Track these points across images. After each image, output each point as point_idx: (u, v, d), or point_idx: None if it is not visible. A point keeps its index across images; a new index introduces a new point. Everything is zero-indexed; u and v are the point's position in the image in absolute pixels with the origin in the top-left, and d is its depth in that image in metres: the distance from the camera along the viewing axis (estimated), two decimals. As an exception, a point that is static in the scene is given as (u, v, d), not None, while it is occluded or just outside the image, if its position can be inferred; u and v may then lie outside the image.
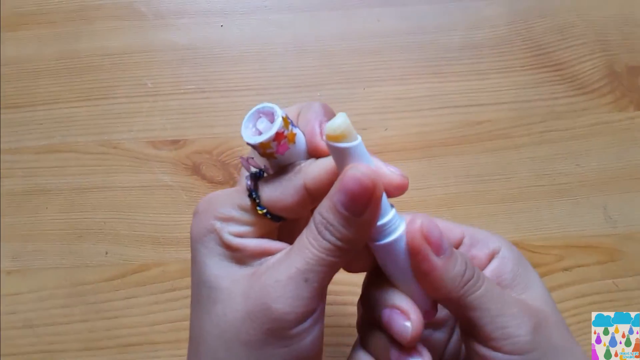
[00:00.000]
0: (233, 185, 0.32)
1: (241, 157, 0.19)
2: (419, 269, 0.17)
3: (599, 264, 0.31)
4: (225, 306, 0.17)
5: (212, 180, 0.32)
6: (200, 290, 0.18)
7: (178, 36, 0.35)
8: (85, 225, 0.32)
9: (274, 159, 0.18)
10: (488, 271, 0.20)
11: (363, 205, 0.16)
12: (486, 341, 0.17)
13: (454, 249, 0.18)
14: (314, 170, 0.18)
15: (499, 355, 0.17)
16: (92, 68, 0.35)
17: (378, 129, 0.33)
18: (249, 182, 0.18)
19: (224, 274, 0.17)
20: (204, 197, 0.19)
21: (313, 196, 0.18)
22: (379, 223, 0.17)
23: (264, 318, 0.16)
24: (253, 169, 0.19)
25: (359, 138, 0.17)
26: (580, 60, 0.34)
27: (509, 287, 0.19)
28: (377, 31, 0.35)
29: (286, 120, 0.18)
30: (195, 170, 0.33)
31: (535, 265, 0.30)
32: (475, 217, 0.31)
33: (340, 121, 0.16)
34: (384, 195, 0.17)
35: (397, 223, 0.17)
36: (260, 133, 0.18)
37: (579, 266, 0.30)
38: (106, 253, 0.31)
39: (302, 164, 0.18)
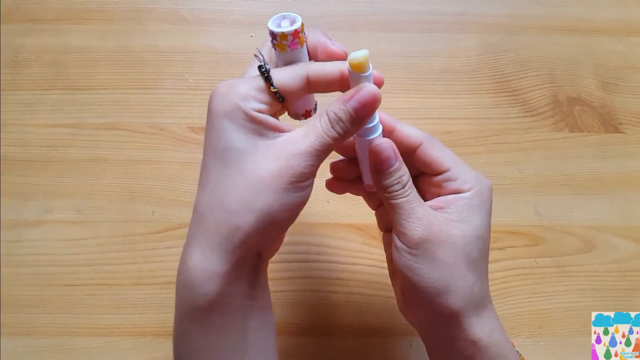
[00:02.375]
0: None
1: (257, 50, 0.25)
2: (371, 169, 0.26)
3: (526, 246, 0.41)
4: (256, 164, 0.23)
5: (238, 162, 0.41)
6: (228, 155, 0.23)
7: (215, 41, 0.43)
8: (136, 189, 0.40)
9: (284, 52, 0.24)
10: (442, 198, 0.27)
11: (369, 111, 0.24)
12: (394, 230, 0.26)
13: (398, 164, 0.25)
14: (317, 67, 0.24)
15: (397, 242, 0.25)
16: (143, 62, 0.43)
17: (370, 131, 0.42)
18: (266, 67, 0.24)
19: (249, 141, 0.23)
20: (222, 83, 0.24)
21: (310, 86, 0.24)
22: (368, 125, 0.25)
23: (290, 174, 0.23)
24: (267, 65, 0.24)
25: (371, 68, 0.23)
26: (532, 89, 0.43)
27: (446, 213, 0.26)
28: (375, 51, 0.43)
29: (303, 27, 0.24)
30: (225, 152, 0.41)
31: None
32: (439, 205, 0.41)
33: (362, 54, 0.23)
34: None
35: (377, 129, 0.26)
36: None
37: (510, 247, 0.41)
38: (153, 212, 0.40)
39: (307, 62, 0.25)
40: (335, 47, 0.25)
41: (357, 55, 0.23)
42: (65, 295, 0.39)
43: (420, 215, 0.25)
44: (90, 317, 0.39)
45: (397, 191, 0.26)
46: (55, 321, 0.39)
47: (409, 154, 0.28)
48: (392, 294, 0.39)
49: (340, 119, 0.24)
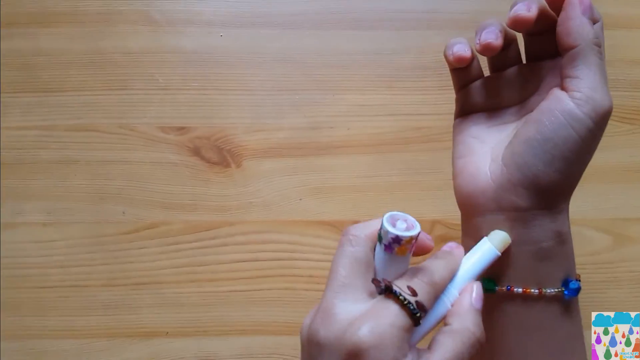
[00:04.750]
0: (226, 166, 0.41)
1: (380, 281, 0.23)
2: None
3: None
4: None
5: (209, 161, 0.41)
6: None
7: (185, 42, 0.43)
8: (106, 190, 0.40)
9: (402, 256, 0.23)
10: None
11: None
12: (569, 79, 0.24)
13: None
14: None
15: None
16: (113, 63, 0.43)
17: (342, 129, 0.42)
18: (415, 307, 0.21)
19: None
20: (364, 328, 0.20)
21: None
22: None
23: None
24: (413, 303, 0.21)
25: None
26: (502, 84, 0.43)
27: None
28: (346, 49, 0.44)
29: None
30: (196, 152, 0.41)
31: (449, 239, 0.40)
32: (410, 200, 0.41)
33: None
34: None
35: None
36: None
37: (483, 241, 0.41)
38: (123, 213, 0.40)
39: (440, 285, 0.23)
40: (429, 241, 0.25)
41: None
42: (37, 298, 0.39)
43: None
44: (62, 320, 0.39)
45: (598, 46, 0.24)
46: (27, 324, 0.39)
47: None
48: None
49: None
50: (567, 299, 0.26)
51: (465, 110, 0.29)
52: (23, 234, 0.40)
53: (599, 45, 0.24)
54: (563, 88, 0.24)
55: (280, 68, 0.43)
